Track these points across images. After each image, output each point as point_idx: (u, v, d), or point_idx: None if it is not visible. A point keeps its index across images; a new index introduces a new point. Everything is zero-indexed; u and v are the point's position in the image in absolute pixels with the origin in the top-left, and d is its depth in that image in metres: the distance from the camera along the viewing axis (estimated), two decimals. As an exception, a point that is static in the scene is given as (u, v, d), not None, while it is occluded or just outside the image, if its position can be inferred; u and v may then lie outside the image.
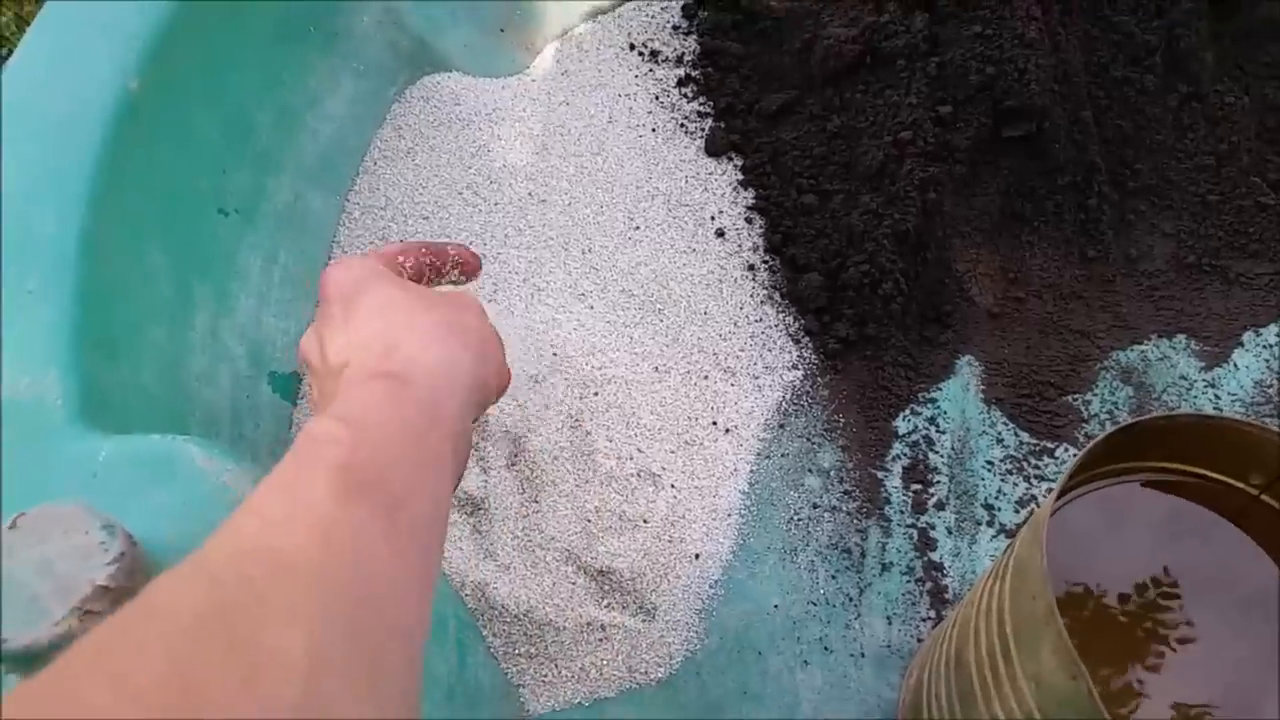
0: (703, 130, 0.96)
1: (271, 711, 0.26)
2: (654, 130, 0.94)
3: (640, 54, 1.01)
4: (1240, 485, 0.57)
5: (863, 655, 0.68)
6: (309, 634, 0.29)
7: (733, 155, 0.94)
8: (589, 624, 0.66)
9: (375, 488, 0.35)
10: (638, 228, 0.87)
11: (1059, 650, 0.44)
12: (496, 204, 0.84)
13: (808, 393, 0.81)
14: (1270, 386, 0.84)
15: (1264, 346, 0.86)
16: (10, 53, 0.68)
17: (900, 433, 0.79)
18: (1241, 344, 0.86)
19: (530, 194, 0.86)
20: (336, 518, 0.32)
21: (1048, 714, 0.47)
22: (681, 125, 0.96)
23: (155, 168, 0.68)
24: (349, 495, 0.33)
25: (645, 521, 0.70)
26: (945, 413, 0.81)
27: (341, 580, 0.31)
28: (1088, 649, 0.53)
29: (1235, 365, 0.85)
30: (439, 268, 0.56)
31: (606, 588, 0.67)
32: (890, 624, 0.70)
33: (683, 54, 1.01)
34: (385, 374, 0.41)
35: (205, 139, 0.73)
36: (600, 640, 0.66)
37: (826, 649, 0.68)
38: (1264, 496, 0.57)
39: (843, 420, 0.80)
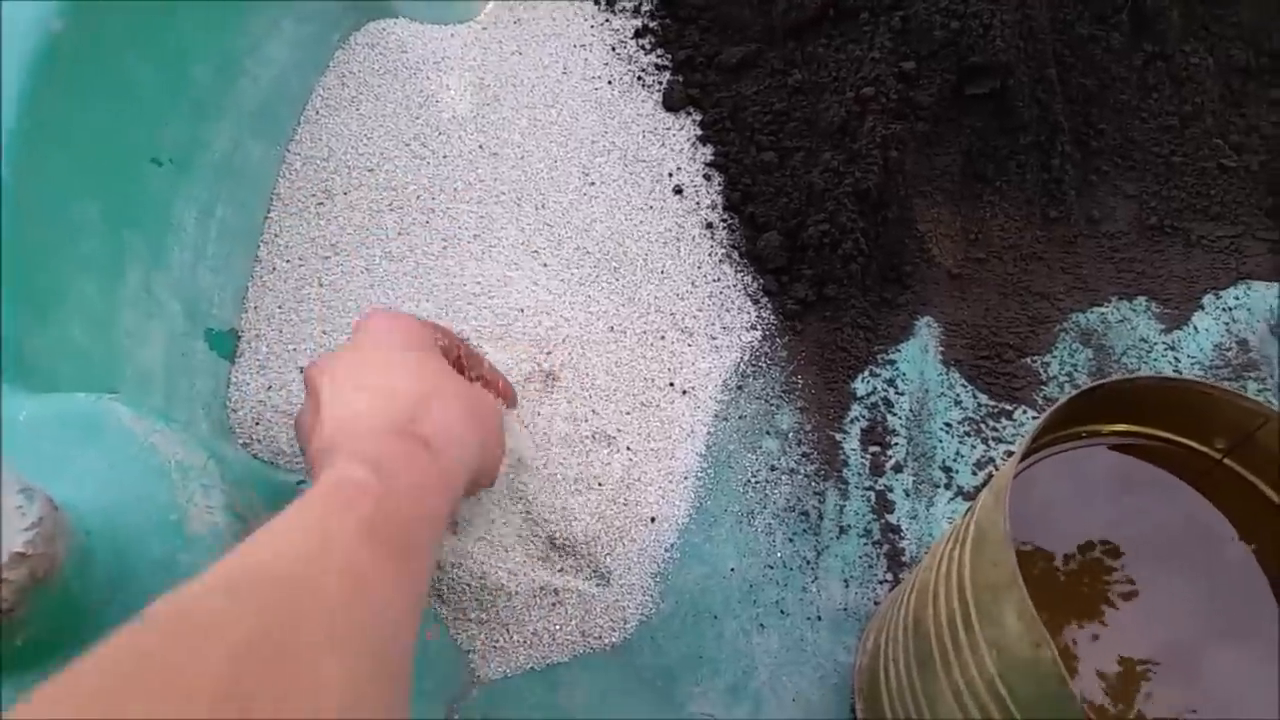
0: (660, 83, 0.93)
1: None
2: (610, 83, 0.91)
3: (596, 2, 0.97)
4: (1203, 449, 0.56)
5: (819, 618, 0.67)
6: (343, 661, 0.33)
7: (691, 110, 0.91)
8: (542, 589, 0.64)
9: (396, 539, 0.40)
10: (593, 183, 0.84)
11: (1023, 617, 0.43)
12: (445, 156, 0.81)
13: (766, 354, 0.80)
14: (1229, 350, 0.84)
15: (1223, 309, 0.86)
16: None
17: (859, 394, 0.78)
18: (1201, 306, 0.86)
19: (481, 146, 0.83)
20: (364, 562, 0.37)
21: (1009, 681, 0.46)
22: (639, 78, 0.93)
23: (80, 115, 0.64)
24: (375, 543, 0.38)
25: (600, 484, 0.69)
26: (904, 374, 0.79)
27: (368, 616, 0.36)
28: (1044, 610, 0.53)
29: (1195, 328, 0.85)
30: (463, 367, 0.60)
31: (560, 552, 0.66)
32: (847, 587, 0.69)
33: (640, 3, 0.98)
34: (416, 437, 0.47)
35: (137, 85, 0.69)
36: (553, 605, 0.64)
37: (783, 612, 0.67)
38: (1227, 460, 0.56)
39: (801, 382, 0.78)
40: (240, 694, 0.29)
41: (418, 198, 0.78)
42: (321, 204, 0.77)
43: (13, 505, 0.39)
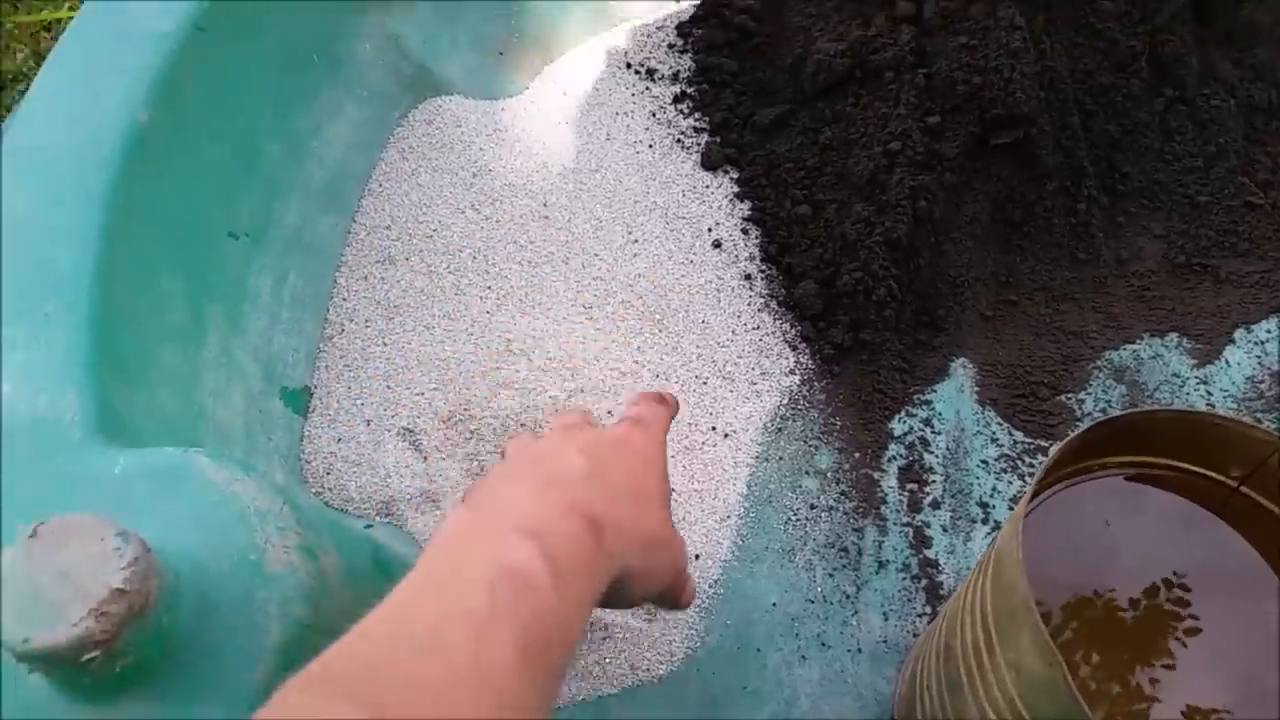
0: (699, 145, 0.98)
1: None
2: (651, 146, 0.97)
3: (637, 72, 1.03)
4: (1220, 478, 0.58)
5: (859, 651, 0.70)
6: None
7: (728, 168, 0.96)
8: (593, 624, 0.68)
9: (546, 654, 0.35)
10: (636, 240, 0.89)
11: (1035, 638, 0.46)
12: (498, 221, 0.87)
13: (805, 397, 0.83)
14: (1262, 382, 0.85)
15: (1255, 343, 0.87)
16: (28, 89, 0.71)
17: (896, 434, 0.81)
18: (1233, 341, 0.87)
19: (531, 210, 0.89)
20: (515, 689, 0.33)
21: (1028, 701, 0.48)
22: (678, 140, 0.98)
23: (165, 196, 0.70)
24: (528, 661, 0.34)
25: (646, 525, 0.72)
26: (940, 414, 0.82)
27: None
28: (1084, 646, 0.55)
29: (1227, 362, 0.86)
30: None
31: (608, 589, 0.69)
32: (887, 620, 0.71)
33: (679, 71, 1.04)
34: (597, 527, 0.41)
35: (214, 167, 0.76)
36: (603, 639, 0.68)
37: (824, 645, 0.70)
38: (1243, 488, 0.58)
39: (839, 423, 0.82)
40: None
41: (473, 260, 0.84)
42: (385, 269, 0.83)
43: (111, 547, 0.44)
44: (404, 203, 0.87)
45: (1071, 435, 0.53)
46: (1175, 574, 0.58)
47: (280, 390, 0.75)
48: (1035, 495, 0.57)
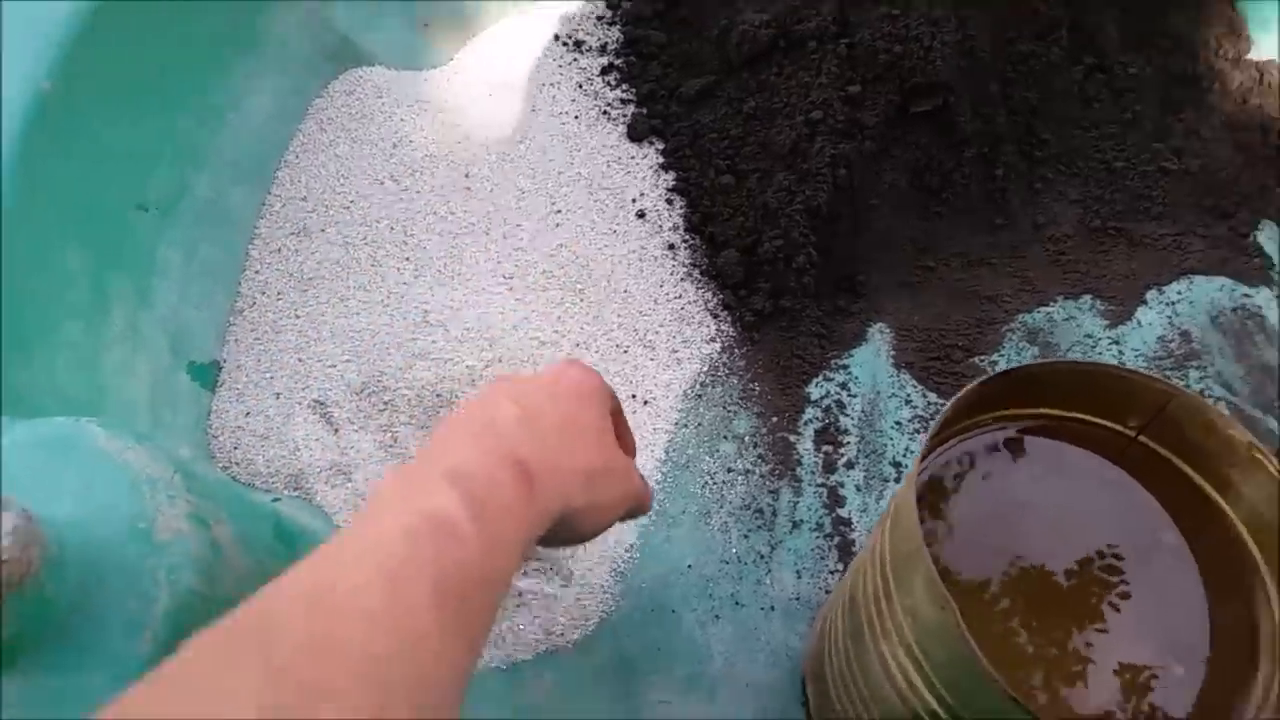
0: (625, 116, 0.98)
1: None
2: (577, 117, 0.97)
3: (565, 44, 1.03)
4: (1119, 428, 0.60)
5: (772, 609, 0.71)
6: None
7: (654, 139, 0.96)
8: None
9: (468, 601, 0.34)
10: (559, 211, 0.89)
11: (929, 583, 0.46)
12: (418, 192, 0.87)
13: (725, 364, 0.84)
14: (1172, 341, 0.87)
15: (1166, 303, 0.89)
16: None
17: (813, 398, 0.82)
18: (1145, 302, 0.89)
19: (452, 181, 0.88)
20: (433, 635, 0.32)
21: (924, 646, 0.49)
22: (604, 112, 0.98)
23: (70, 169, 0.69)
24: (448, 608, 0.33)
25: (562, 491, 0.73)
26: (856, 378, 0.83)
27: (418, 691, 0.31)
28: (1013, 606, 0.56)
29: (1139, 322, 0.88)
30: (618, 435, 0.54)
31: (524, 558, 0.69)
32: (800, 578, 0.72)
33: (606, 43, 1.03)
34: (526, 473, 0.40)
35: (122, 139, 0.75)
36: (517, 607, 0.68)
37: (738, 604, 0.71)
38: (1141, 437, 0.59)
39: (758, 388, 0.82)
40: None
41: (391, 231, 0.84)
42: (300, 240, 0.83)
43: (-11, 518, 0.44)
44: (321, 174, 0.87)
45: (965, 389, 0.53)
46: (1090, 526, 0.59)
47: (188, 365, 0.74)
48: (934, 444, 0.58)
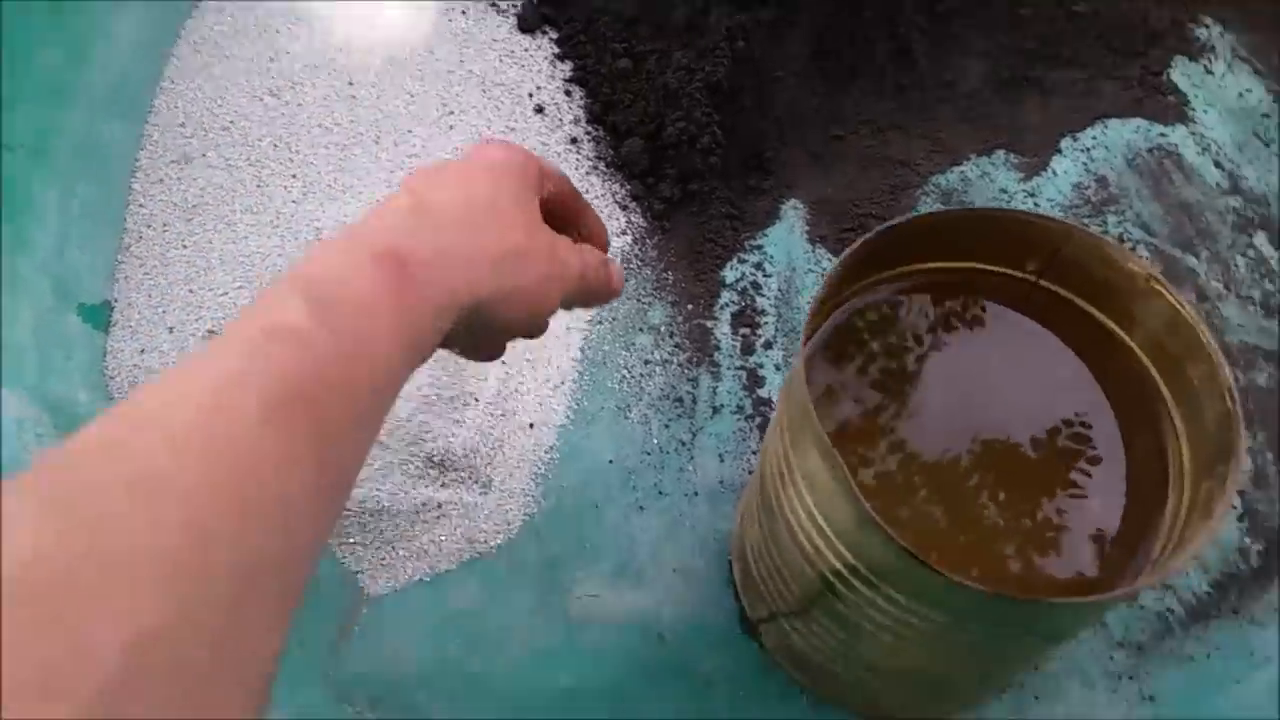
0: (515, 6, 0.94)
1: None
2: (464, 12, 0.92)
3: (446, -63, 0.98)
4: (1018, 274, 0.59)
5: (696, 494, 0.70)
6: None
7: (547, 29, 0.92)
8: (424, 504, 0.67)
9: (314, 410, 0.29)
10: (452, 112, 0.86)
11: (819, 444, 0.46)
12: (300, 105, 0.83)
13: (637, 255, 0.82)
14: (1088, 188, 0.86)
15: (1080, 150, 0.88)
16: None
17: (728, 281, 0.80)
18: (1059, 150, 0.88)
19: (336, 91, 0.84)
20: (260, 451, 0.27)
21: (823, 511, 0.49)
22: (492, 4, 0.94)
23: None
24: (281, 420, 0.28)
25: (476, 399, 0.71)
26: (771, 257, 0.82)
27: (252, 527, 0.26)
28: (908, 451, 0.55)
29: (1054, 172, 0.86)
30: (566, 221, 0.48)
31: (440, 468, 0.68)
32: (723, 462, 0.72)
33: (489, -69, 0.98)
34: (397, 264, 0.34)
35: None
36: (437, 518, 0.67)
37: (661, 493, 0.70)
38: (1042, 281, 0.58)
39: (672, 277, 0.80)
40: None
41: (275, 148, 0.80)
42: (182, 168, 0.79)
43: None
44: (198, 97, 0.83)
45: (850, 248, 0.52)
46: (1002, 374, 0.58)
47: (77, 307, 0.72)
48: (826, 306, 0.57)
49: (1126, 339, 0.56)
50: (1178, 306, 0.51)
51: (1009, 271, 0.59)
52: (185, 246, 0.75)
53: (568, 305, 0.46)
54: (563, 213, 0.47)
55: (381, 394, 0.33)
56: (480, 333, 0.41)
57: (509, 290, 0.39)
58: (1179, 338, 0.52)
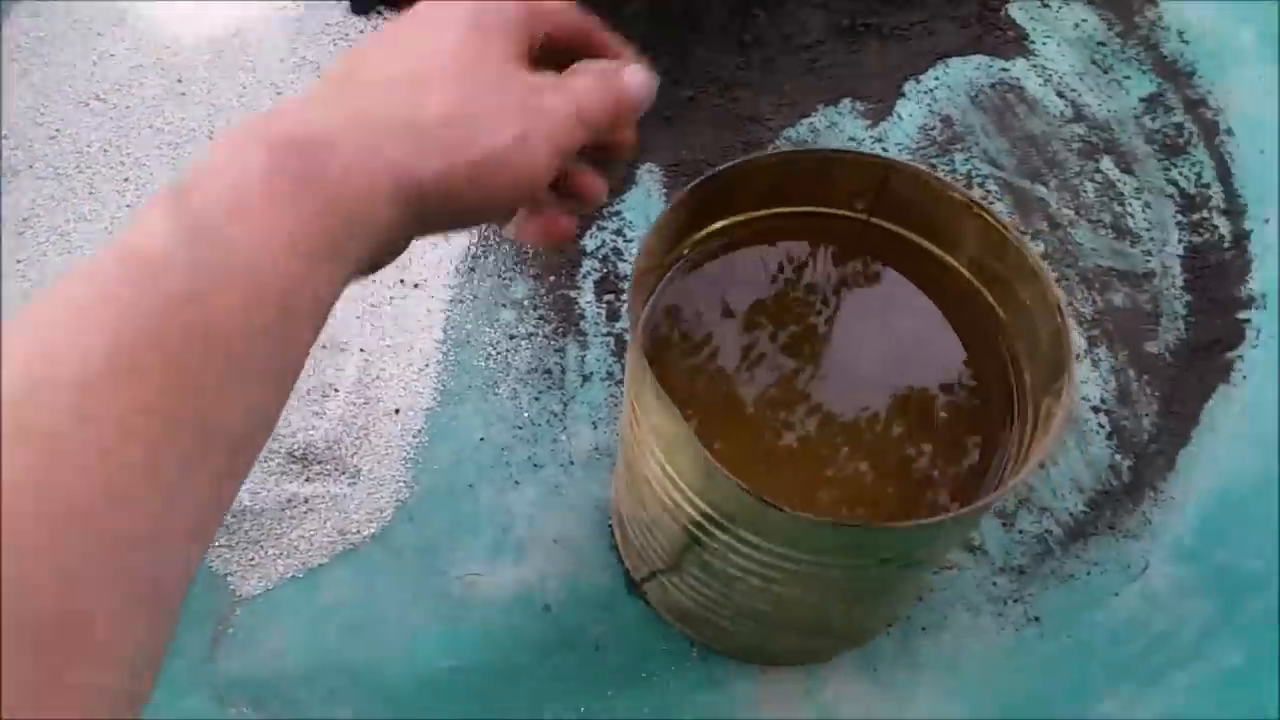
0: (349, -9, 0.91)
1: None
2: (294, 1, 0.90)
3: (273, -75, 0.95)
4: (849, 214, 0.59)
5: (572, 463, 0.70)
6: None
7: (382, 9, 0.90)
8: (289, 500, 0.65)
9: (167, 366, 0.24)
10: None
11: (659, 397, 0.45)
12: (128, 107, 0.80)
13: (496, 231, 0.81)
14: (934, 129, 0.88)
15: (924, 92, 0.89)
16: None
17: (589, 250, 0.80)
18: (903, 94, 0.89)
19: (164, 89, 0.81)
20: (100, 391, 0.23)
21: (672, 461, 0.49)
22: (327, -10, 0.91)
23: None
24: (123, 364, 0.23)
25: (336, 390, 0.70)
26: (630, 222, 0.81)
27: (101, 509, 0.23)
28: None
29: (900, 116, 0.88)
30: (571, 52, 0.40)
31: (302, 462, 0.67)
32: (596, 429, 0.71)
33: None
34: (295, 151, 0.28)
35: None
36: (305, 513, 0.66)
37: (536, 466, 0.70)
38: (873, 219, 0.59)
39: (532, 250, 0.80)
40: None
41: (104, 153, 0.77)
42: (8, 182, 0.75)
43: None
44: (18, 108, 0.78)
45: (665, 209, 0.52)
46: (853, 316, 0.59)
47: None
48: (651, 264, 0.56)
49: (958, 266, 0.57)
50: (1001, 229, 0.53)
51: (840, 212, 0.60)
52: (19, 262, 0.71)
53: (587, 157, 0.38)
54: (576, 53, 0.40)
55: (280, 325, 0.27)
56: (457, 218, 0.34)
57: (467, 164, 0.32)
58: (1006, 261, 0.54)
